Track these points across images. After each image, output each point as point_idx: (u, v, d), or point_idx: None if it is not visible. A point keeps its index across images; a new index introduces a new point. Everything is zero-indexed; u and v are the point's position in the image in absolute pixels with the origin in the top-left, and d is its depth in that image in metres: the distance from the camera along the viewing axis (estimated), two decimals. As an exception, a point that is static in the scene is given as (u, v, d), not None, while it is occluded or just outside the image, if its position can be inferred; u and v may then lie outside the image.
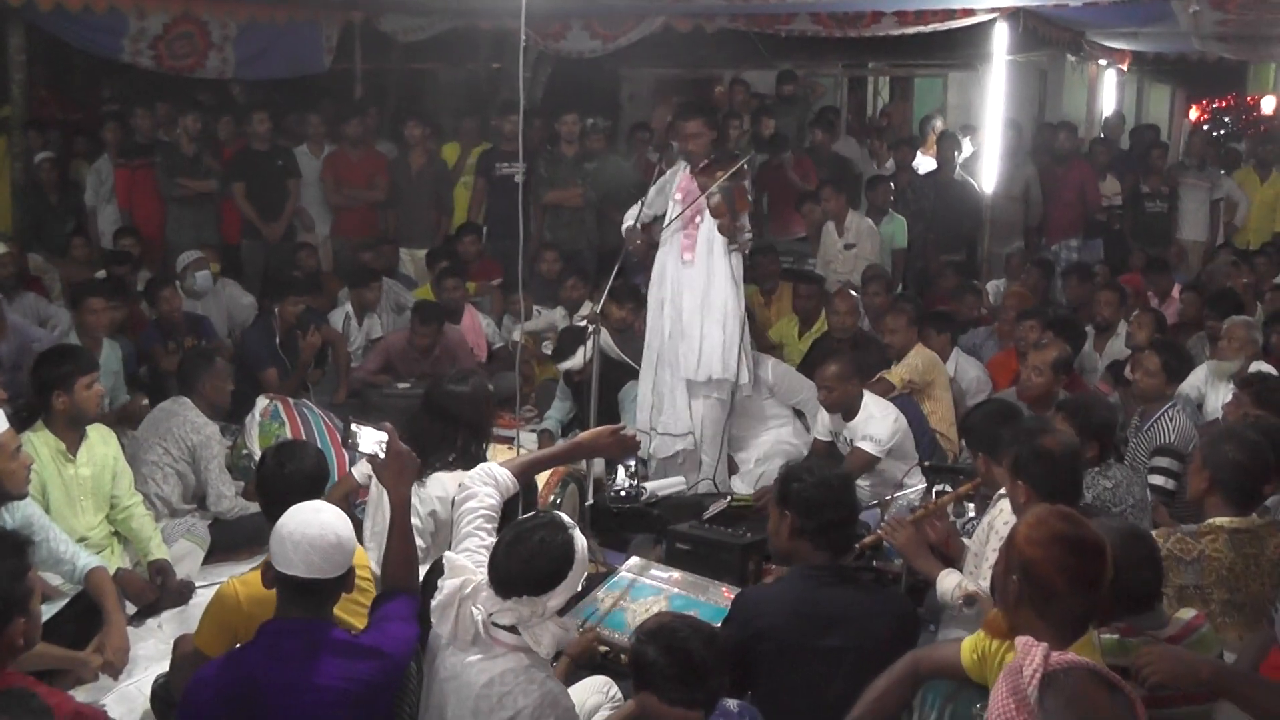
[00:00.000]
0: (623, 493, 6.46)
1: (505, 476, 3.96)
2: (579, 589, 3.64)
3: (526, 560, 3.45)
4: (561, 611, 3.76)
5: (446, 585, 3.54)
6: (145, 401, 7.25)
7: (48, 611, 4.87)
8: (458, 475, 4.65)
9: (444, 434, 5.21)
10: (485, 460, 4.80)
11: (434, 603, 3.56)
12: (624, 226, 7.26)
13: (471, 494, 3.88)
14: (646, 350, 7.27)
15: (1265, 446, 4.42)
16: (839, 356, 6.89)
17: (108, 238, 10.08)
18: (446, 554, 3.70)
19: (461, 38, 11.84)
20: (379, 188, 10.70)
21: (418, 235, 10.76)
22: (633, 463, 6.52)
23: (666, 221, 7.10)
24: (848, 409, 6.74)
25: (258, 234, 10.31)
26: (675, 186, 7.09)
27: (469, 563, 3.62)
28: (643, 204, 7.14)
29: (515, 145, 9.91)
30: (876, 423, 6.66)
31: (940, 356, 7.71)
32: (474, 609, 3.50)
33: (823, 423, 7.04)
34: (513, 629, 3.50)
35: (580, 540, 3.56)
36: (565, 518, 3.63)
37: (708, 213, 6.87)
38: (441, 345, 8.43)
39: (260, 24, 10.15)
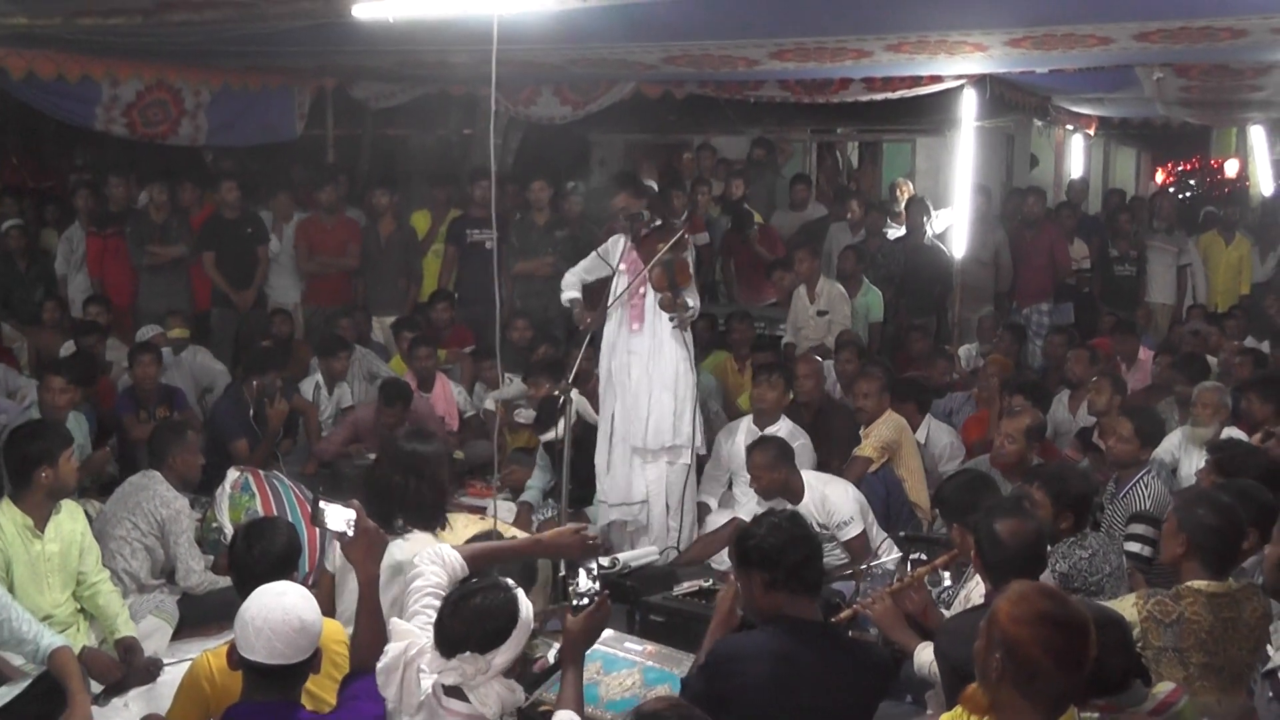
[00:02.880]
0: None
1: (455, 559, 4.00)
2: (529, 645, 3.63)
3: (472, 619, 3.48)
4: (537, 684, 3.72)
5: (391, 649, 3.58)
6: (112, 468, 7.16)
7: (9, 694, 4.79)
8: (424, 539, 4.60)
9: (410, 490, 4.86)
10: (446, 522, 4.79)
11: (379, 666, 3.57)
12: (565, 298, 7.26)
13: (419, 573, 3.94)
14: (600, 422, 7.24)
15: (1238, 508, 4.45)
16: (764, 445, 6.65)
17: (78, 306, 10.05)
18: (393, 620, 3.75)
19: (433, 104, 11.89)
20: (352, 255, 10.67)
21: (387, 303, 10.72)
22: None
23: (613, 295, 7.09)
24: (787, 493, 6.53)
25: (228, 301, 10.27)
26: (619, 259, 7.08)
27: (414, 627, 3.65)
28: (576, 274, 7.16)
29: (486, 211, 9.97)
30: (836, 505, 6.51)
31: (912, 423, 7.70)
32: (421, 675, 3.51)
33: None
34: (462, 695, 3.47)
35: (525, 601, 3.59)
36: (508, 580, 3.66)
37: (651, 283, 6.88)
38: (410, 419, 8.24)
39: (233, 91, 10.14)
